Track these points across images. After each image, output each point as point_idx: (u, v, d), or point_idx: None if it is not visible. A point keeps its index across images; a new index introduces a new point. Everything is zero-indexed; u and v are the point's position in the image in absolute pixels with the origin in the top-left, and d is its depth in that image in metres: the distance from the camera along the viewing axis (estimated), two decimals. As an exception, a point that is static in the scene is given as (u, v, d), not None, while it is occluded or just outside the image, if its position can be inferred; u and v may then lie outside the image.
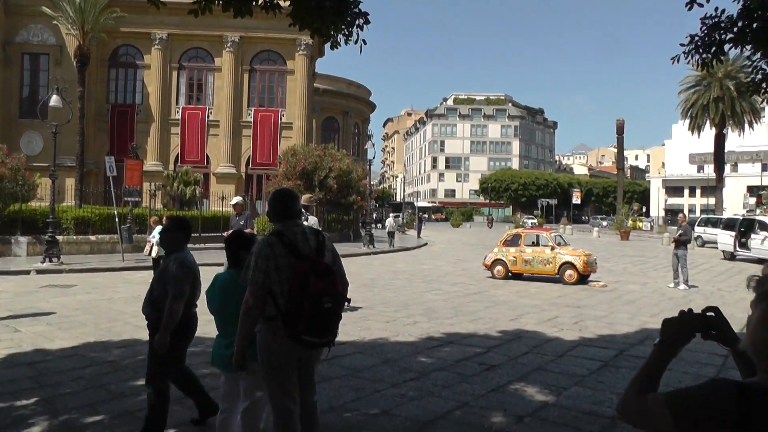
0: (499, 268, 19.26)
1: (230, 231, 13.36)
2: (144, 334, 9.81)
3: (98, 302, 13.53)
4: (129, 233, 24.73)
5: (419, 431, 5.74)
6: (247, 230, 13.02)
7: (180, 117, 43.70)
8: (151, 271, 17.05)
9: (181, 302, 5.10)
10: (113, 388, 6.93)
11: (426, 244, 38.36)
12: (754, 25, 6.83)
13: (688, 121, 59.58)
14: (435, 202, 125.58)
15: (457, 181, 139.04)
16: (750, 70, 8.38)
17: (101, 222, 26.56)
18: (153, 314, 5.32)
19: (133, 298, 13.55)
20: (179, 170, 37.79)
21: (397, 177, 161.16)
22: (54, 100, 21.73)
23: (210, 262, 15.66)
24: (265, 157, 43.36)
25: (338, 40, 7.35)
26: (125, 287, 15.99)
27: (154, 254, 16.49)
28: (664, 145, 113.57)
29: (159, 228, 17.11)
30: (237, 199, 14.63)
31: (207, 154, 43.84)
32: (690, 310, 1.91)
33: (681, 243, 18.00)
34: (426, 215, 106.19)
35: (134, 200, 27.18)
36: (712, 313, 1.94)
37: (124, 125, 42.58)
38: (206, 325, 4.75)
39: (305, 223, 11.32)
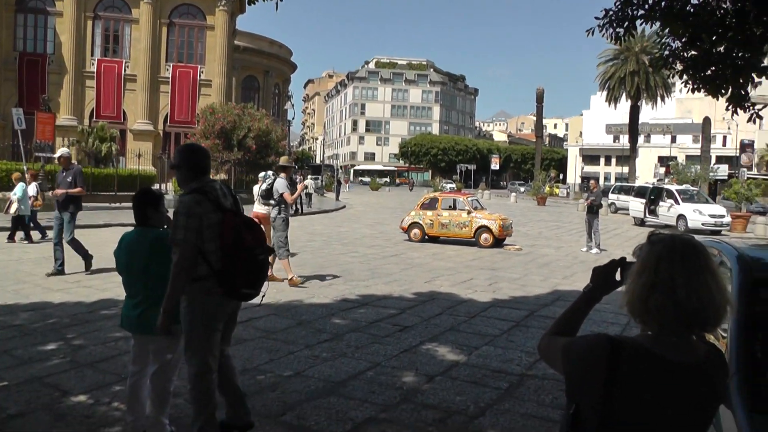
0: (415, 231, 19.48)
1: (57, 189, 11.56)
2: (56, 297, 9.59)
3: (6, 263, 12.98)
4: (41, 189, 23.64)
5: (331, 392, 5.81)
6: (77, 189, 11.59)
7: (95, 69, 41.84)
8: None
9: None
10: (20, 354, 6.68)
11: (344, 206, 38.33)
12: (662, 3, 7.09)
13: (605, 92, 61.42)
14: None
15: (377, 144, 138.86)
16: (659, 46, 8.71)
17: (8, 178, 25.30)
18: None
19: (44, 259, 13.02)
20: (95, 125, 36.24)
21: (317, 139, 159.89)
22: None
23: (126, 222, 15.25)
24: (184, 114, 42.23)
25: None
26: (36, 247, 15.40)
27: (12, 211, 15.87)
28: (582, 114, 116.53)
29: (21, 185, 16.41)
30: (62, 150, 12.42)
31: (123, 110, 42.32)
32: (623, 258, 2.04)
33: (593, 208, 18.63)
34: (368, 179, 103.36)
35: (46, 155, 26.05)
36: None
37: (34, 76, 40.43)
38: (120, 287, 4.65)
39: (267, 182, 11.39)
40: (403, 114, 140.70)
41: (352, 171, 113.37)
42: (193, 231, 4.11)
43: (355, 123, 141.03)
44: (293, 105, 36.91)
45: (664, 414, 1.75)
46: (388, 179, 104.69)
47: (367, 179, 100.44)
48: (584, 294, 2.09)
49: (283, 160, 12.07)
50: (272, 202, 11.23)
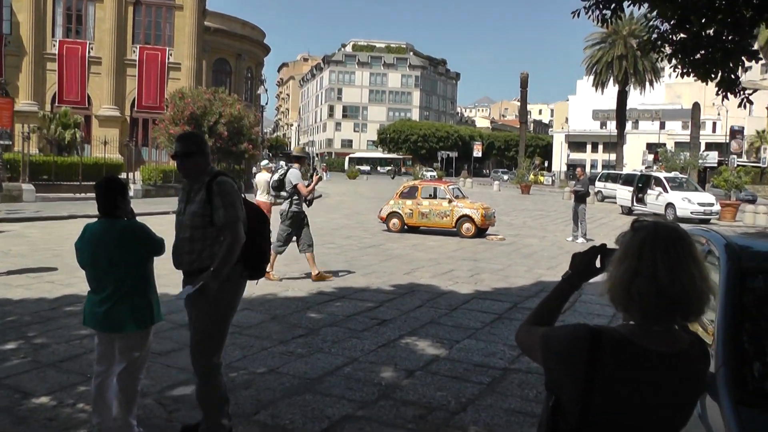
0: (394, 221, 19.18)
1: None
2: (16, 293, 9.23)
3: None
4: None
5: (306, 389, 5.68)
6: None
7: (57, 51, 39.96)
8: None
9: None
10: (-25, 353, 6.41)
11: (320, 195, 37.96)
12: (650, -16, 6.95)
13: (592, 77, 61.51)
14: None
15: (355, 131, 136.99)
16: (647, 29, 8.57)
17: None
18: None
19: (2, 254, 12.65)
20: (57, 111, 35.40)
21: (291, 125, 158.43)
22: None
23: (92, 214, 14.78)
24: (152, 99, 41.02)
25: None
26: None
27: None
28: (568, 100, 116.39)
29: None
30: None
31: (88, 95, 40.75)
32: (603, 244, 2.03)
33: (579, 197, 18.52)
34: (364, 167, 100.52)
35: (4, 143, 25.47)
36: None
37: (-12, 58, 39.05)
38: (86, 282, 4.42)
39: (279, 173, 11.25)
40: (382, 99, 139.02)
41: (347, 159, 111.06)
42: (242, 209, 4.28)
43: (331, 108, 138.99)
44: (267, 90, 36.40)
45: (647, 404, 1.75)
46: (391, 167, 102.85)
47: (366, 168, 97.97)
48: (563, 281, 2.07)
49: (297, 150, 12.12)
50: (284, 194, 10.95)
